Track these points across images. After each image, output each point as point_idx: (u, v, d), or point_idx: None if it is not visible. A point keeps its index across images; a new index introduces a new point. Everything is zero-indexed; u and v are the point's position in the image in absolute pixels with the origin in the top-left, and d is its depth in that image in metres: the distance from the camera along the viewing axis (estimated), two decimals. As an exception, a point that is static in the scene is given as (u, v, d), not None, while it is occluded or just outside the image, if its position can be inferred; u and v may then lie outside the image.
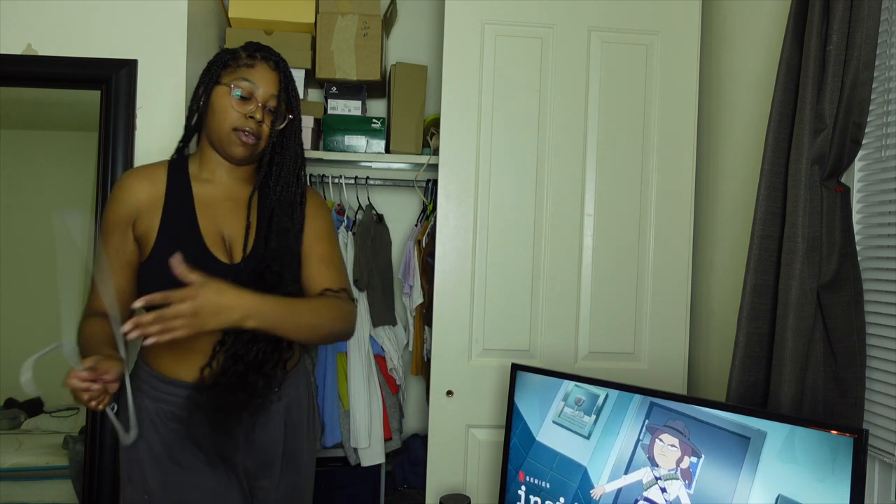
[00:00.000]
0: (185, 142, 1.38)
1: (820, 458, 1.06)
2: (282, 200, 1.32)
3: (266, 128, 1.29)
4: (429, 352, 2.22)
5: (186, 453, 1.23)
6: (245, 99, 1.27)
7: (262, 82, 1.28)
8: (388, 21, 2.34)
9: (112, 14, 1.72)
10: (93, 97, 1.72)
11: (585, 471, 1.35)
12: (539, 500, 1.42)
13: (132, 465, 1.24)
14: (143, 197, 1.27)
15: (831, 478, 1.04)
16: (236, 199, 1.33)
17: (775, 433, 1.12)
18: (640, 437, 1.29)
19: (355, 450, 2.14)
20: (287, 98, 1.32)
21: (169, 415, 1.24)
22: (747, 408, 1.20)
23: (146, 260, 1.24)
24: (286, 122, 1.32)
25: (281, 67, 1.33)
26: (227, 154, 1.30)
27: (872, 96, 1.25)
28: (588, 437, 1.36)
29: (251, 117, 1.26)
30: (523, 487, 1.45)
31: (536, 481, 1.43)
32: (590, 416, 1.38)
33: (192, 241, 1.25)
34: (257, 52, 1.31)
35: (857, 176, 1.35)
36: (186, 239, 1.24)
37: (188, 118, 1.36)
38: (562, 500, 1.37)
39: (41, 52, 1.70)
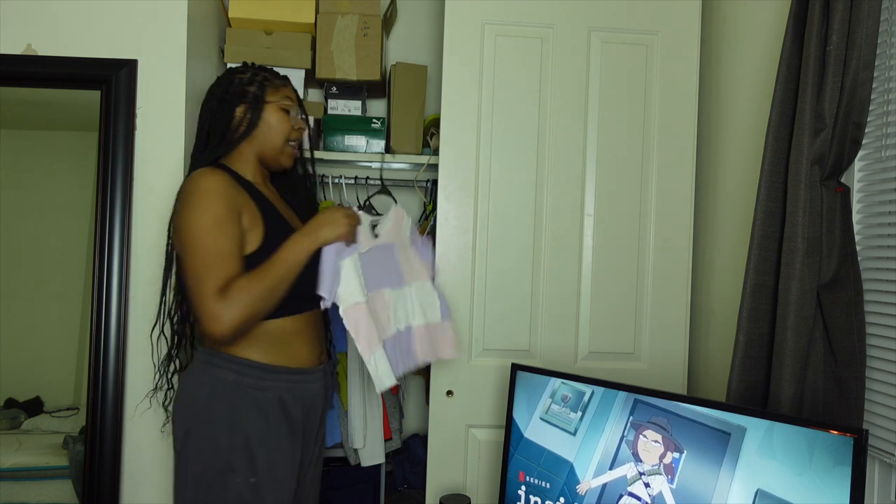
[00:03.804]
0: (227, 152, 1.45)
1: (797, 454, 1.08)
2: (311, 196, 1.64)
3: (303, 136, 1.53)
4: (429, 352, 2.22)
5: (285, 434, 1.38)
6: (288, 114, 1.47)
7: (294, 97, 1.50)
8: (388, 21, 2.34)
9: (112, 14, 1.72)
10: (93, 97, 1.72)
11: (572, 466, 1.38)
12: (539, 500, 1.42)
13: (236, 452, 1.32)
14: (237, 194, 1.36)
15: (809, 472, 1.06)
16: (282, 200, 1.54)
17: (754, 429, 1.14)
18: (625, 434, 1.31)
19: (355, 450, 2.14)
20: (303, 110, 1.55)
21: (274, 401, 1.36)
22: (728, 404, 1.22)
23: (258, 250, 1.35)
24: (307, 129, 1.56)
25: (293, 87, 1.55)
26: (277, 164, 1.49)
27: (872, 96, 1.25)
28: (574, 434, 1.39)
29: (298, 129, 1.49)
30: (523, 487, 1.46)
31: (536, 481, 1.43)
32: (576, 412, 1.40)
33: (291, 233, 1.42)
34: (274, 73, 1.51)
35: (857, 176, 1.35)
36: (288, 232, 1.41)
37: (233, 132, 1.44)
38: (561, 500, 1.38)
39: (41, 52, 1.70)
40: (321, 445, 1.55)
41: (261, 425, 1.33)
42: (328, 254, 1.39)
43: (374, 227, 1.55)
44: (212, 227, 1.29)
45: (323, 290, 1.38)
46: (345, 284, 1.42)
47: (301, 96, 1.59)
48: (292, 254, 1.33)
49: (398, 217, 1.62)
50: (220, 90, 1.45)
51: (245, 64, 1.51)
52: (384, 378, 1.45)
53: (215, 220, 1.29)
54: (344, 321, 1.42)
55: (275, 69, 1.53)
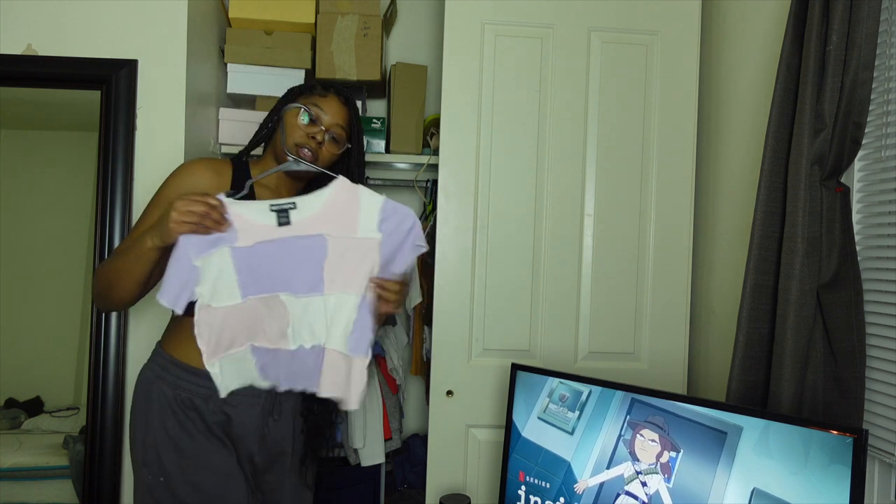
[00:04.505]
0: (247, 151, 1.49)
1: (793, 453, 1.08)
2: None
3: (325, 151, 1.40)
4: (428, 352, 2.22)
5: (201, 438, 1.32)
6: (312, 122, 1.38)
7: (329, 111, 1.40)
8: (388, 21, 2.34)
9: (112, 14, 1.72)
10: (93, 97, 1.72)
11: (569, 466, 1.38)
12: (539, 500, 1.42)
13: (148, 449, 1.31)
14: (209, 185, 1.33)
15: (805, 471, 1.06)
16: None
17: (751, 428, 1.14)
18: (622, 433, 1.32)
19: (355, 450, 2.14)
20: (349, 130, 1.45)
21: (188, 402, 1.32)
22: (724, 403, 1.22)
23: None
24: (343, 148, 1.44)
25: (350, 104, 1.46)
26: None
27: (872, 96, 1.25)
28: (572, 433, 1.40)
29: (313, 137, 1.38)
30: (523, 487, 1.46)
31: (536, 481, 1.43)
32: (573, 412, 1.41)
33: None
34: (331, 87, 1.45)
35: (857, 176, 1.35)
36: None
37: (258, 130, 1.48)
38: (561, 500, 1.38)
39: (41, 52, 1.70)
40: (294, 461, 1.44)
41: (172, 425, 1.30)
42: (178, 254, 1.17)
43: (282, 211, 1.22)
44: (151, 206, 1.33)
45: (165, 299, 1.17)
46: (206, 284, 1.19)
47: (349, 117, 1.44)
48: (129, 252, 1.22)
49: (343, 195, 1.25)
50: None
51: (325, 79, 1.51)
52: (228, 382, 1.25)
53: (157, 201, 1.33)
54: (195, 318, 1.20)
55: (343, 87, 1.47)
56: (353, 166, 1.48)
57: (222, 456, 1.32)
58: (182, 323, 1.33)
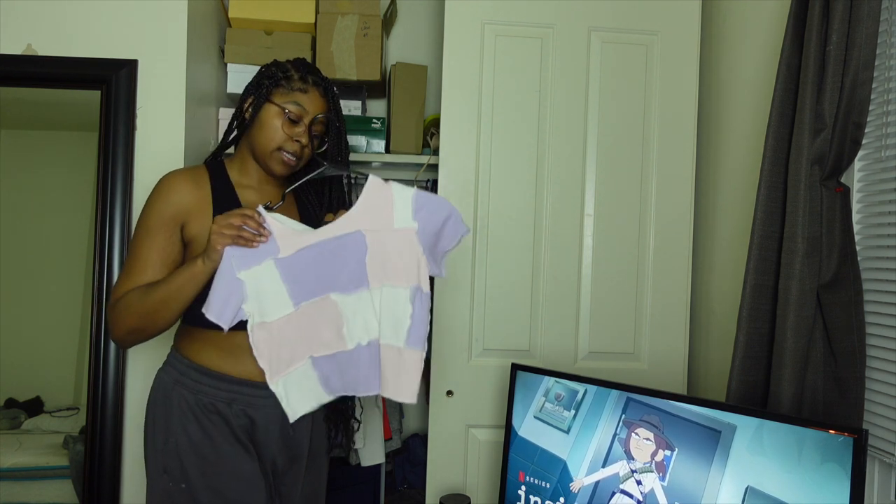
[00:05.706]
0: (222, 149, 1.45)
1: (786, 451, 1.09)
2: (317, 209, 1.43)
3: (308, 151, 1.36)
4: (429, 352, 2.22)
5: (225, 444, 1.28)
6: (293, 122, 1.32)
7: (311, 108, 1.34)
8: (388, 21, 2.34)
9: (112, 14, 1.72)
10: (93, 97, 1.72)
11: (565, 464, 1.39)
12: (539, 500, 1.43)
13: (168, 455, 1.28)
14: (191, 199, 1.29)
15: (798, 470, 1.07)
16: (290, 209, 1.39)
17: (744, 427, 1.15)
18: (617, 432, 1.32)
19: (355, 450, 2.14)
20: (329, 124, 1.39)
21: (210, 407, 1.28)
22: (718, 402, 1.23)
23: None
24: (325, 146, 1.39)
25: (330, 95, 1.38)
26: (267, 168, 1.36)
27: (872, 96, 1.25)
28: (567, 432, 1.40)
29: (297, 140, 1.32)
30: (523, 487, 1.46)
31: (536, 481, 1.43)
32: (569, 411, 1.41)
33: None
34: (309, 76, 1.35)
35: (857, 176, 1.36)
36: None
37: (229, 128, 1.41)
38: (561, 500, 1.38)
39: (41, 52, 1.70)
40: (309, 462, 1.43)
41: (194, 431, 1.27)
42: (222, 267, 1.19)
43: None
44: (142, 233, 1.27)
45: (210, 313, 1.19)
46: (253, 300, 1.21)
47: (330, 109, 1.38)
48: (178, 276, 1.20)
49: (374, 191, 1.25)
50: (251, 80, 1.39)
51: (294, 60, 1.39)
52: (296, 406, 1.28)
53: (147, 227, 1.27)
54: (250, 338, 1.23)
55: (321, 74, 1.40)
56: (332, 159, 1.40)
57: (246, 461, 1.29)
58: (204, 332, 1.29)
